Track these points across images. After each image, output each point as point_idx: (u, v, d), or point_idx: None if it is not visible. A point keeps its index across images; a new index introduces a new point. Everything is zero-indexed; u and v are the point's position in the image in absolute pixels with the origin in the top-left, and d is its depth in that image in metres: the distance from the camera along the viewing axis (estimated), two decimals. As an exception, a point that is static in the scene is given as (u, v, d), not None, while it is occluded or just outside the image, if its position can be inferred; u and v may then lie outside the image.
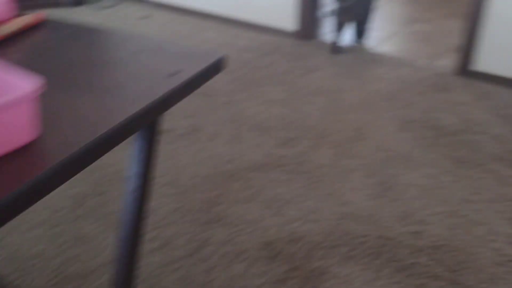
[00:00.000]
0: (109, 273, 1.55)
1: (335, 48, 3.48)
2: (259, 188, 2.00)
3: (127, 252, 1.16)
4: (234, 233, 1.75)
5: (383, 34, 3.96)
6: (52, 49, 1.01)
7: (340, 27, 3.39)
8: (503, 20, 2.94)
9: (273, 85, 2.95)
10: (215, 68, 0.99)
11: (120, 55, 1.00)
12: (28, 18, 1.12)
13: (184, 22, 4.04)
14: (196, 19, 4.12)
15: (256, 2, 3.83)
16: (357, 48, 3.60)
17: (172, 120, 2.52)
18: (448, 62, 3.43)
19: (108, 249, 1.65)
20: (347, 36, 3.77)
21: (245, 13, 3.92)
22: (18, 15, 1.16)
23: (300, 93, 2.87)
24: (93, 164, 2.13)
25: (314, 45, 3.63)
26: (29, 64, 0.93)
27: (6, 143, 0.44)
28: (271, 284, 1.53)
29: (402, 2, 4.93)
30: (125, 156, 2.18)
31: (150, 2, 4.46)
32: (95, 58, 0.97)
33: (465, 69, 3.16)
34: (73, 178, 2.04)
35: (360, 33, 3.63)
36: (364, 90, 2.94)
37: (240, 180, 2.05)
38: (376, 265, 1.63)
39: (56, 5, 4.20)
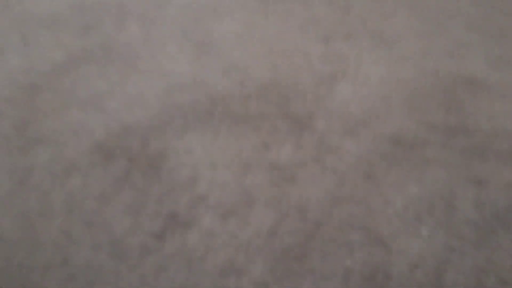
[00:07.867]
0: None
1: None
2: (71, 89, 1.79)
3: None
4: (58, 147, 1.58)
5: None
6: None
7: None
8: None
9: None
10: None
11: None
12: None
13: None
14: None
15: None
16: None
17: None
18: None
19: None
20: None
21: None
22: None
23: (87, -32, 2.49)
24: None
25: None
26: None
27: None
28: (114, 186, 1.46)
29: None
30: None
31: None
32: None
33: None
34: None
35: None
36: None
37: (47, 88, 1.80)
38: (213, 126, 1.62)
39: None
